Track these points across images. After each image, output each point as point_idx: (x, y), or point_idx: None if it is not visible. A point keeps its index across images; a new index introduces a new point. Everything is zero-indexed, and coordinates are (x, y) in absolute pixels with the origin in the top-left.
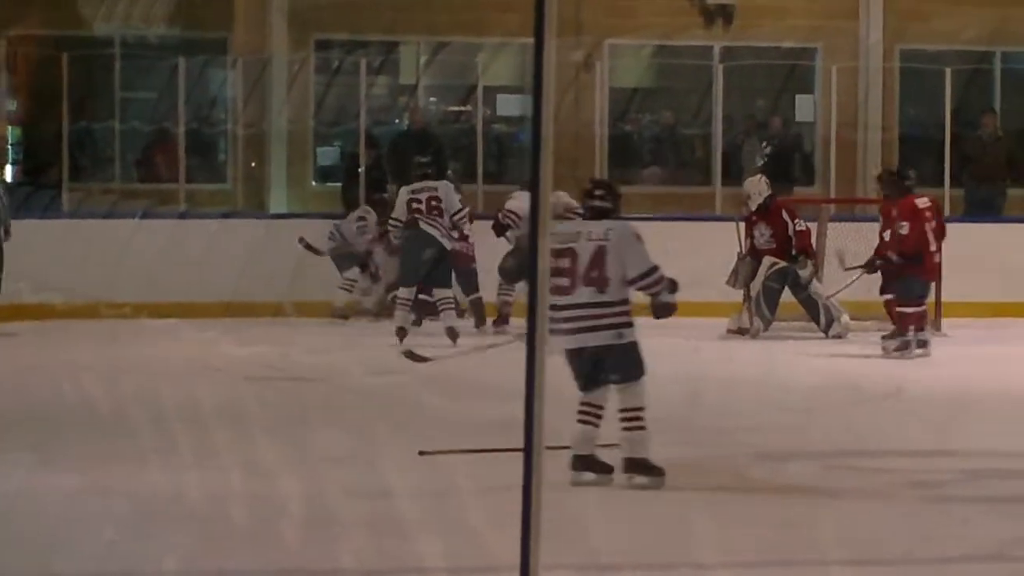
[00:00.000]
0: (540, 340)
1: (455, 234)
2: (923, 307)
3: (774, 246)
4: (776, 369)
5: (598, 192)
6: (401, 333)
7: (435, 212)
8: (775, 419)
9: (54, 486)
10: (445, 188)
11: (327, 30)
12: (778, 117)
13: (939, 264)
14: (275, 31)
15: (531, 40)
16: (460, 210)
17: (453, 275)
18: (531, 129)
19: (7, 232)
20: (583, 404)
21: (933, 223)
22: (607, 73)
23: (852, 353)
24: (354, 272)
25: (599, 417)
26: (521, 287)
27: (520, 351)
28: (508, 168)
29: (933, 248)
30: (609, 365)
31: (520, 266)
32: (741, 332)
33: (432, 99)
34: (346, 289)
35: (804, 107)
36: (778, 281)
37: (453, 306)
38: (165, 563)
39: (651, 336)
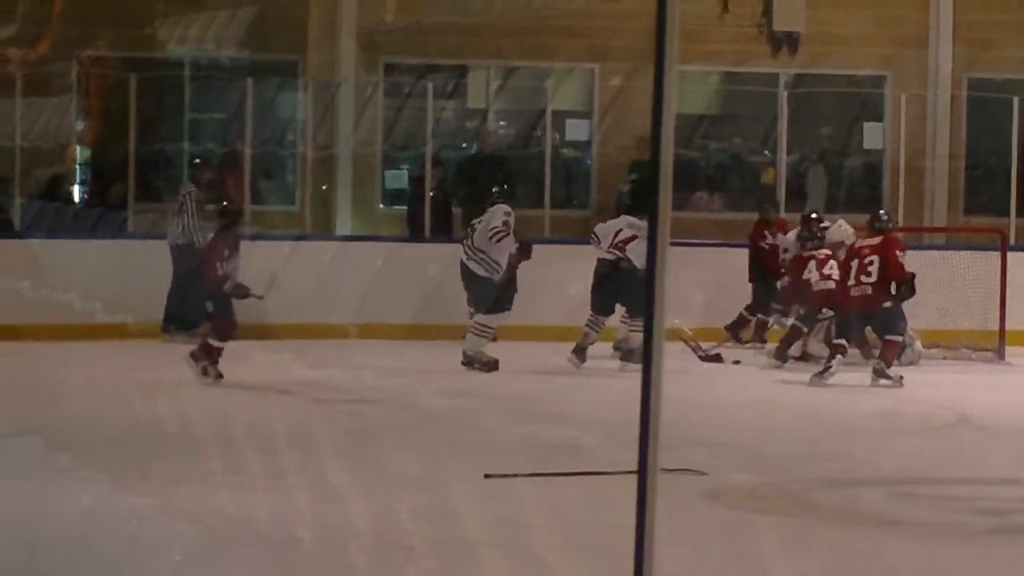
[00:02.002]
0: (657, 359)
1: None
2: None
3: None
4: (842, 396)
5: None
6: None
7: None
8: (843, 446)
9: (125, 507)
10: (491, 212)
11: (396, 54)
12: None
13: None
14: (345, 55)
15: (597, 65)
16: (495, 228)
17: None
18: (651, 154)
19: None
20: None
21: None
22: (674, 99)
23: (919, 380)
24: None
25: None
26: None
27: (578, 378)
28: (575, 193)
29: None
30: None
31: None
32: (804, 359)
33: (502, 123)
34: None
35: (872, 135)
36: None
37: (482, 332)
38: None
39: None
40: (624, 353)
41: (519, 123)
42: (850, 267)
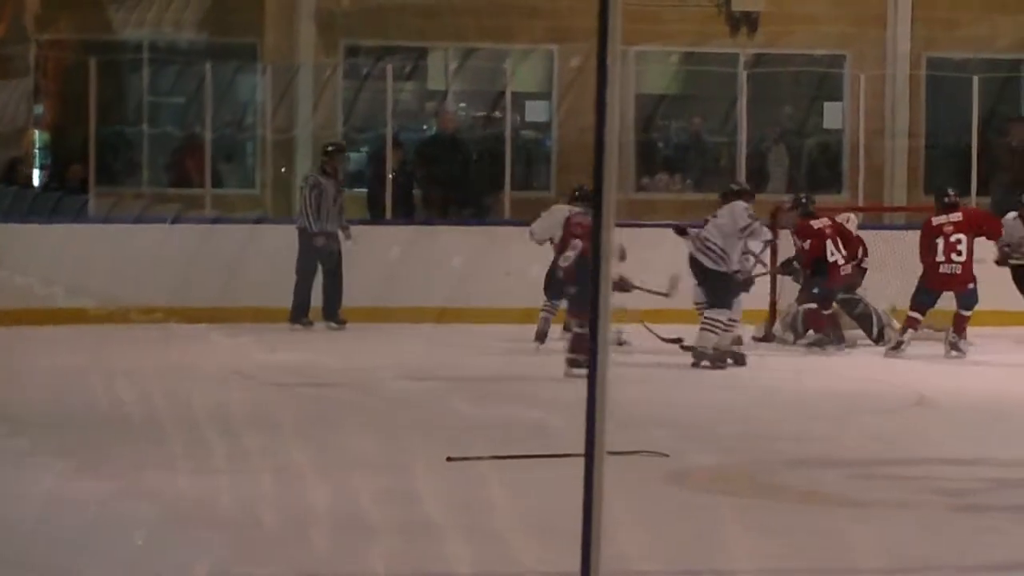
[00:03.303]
0: (603, 344)
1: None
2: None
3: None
4: (805, 378)
5: None
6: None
7: None
8: (805, 427)
9: (85, 491)
10: (730, 209)
11: (356, 36)
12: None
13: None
14: (304, 37)
15: (557, 46)
16: (746, 226)
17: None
18: (595, 136)
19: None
20: None
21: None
22: (634, 80)
23: (879, 361)
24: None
25: None
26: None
27: (542, 358)
28: (536, 174)
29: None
30: None
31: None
32: (767, 340)
33: (461, 105)
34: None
35: (832, 115)
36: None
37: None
38: (194, 569)
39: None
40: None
41: (479, 104)
42: (934, 245)
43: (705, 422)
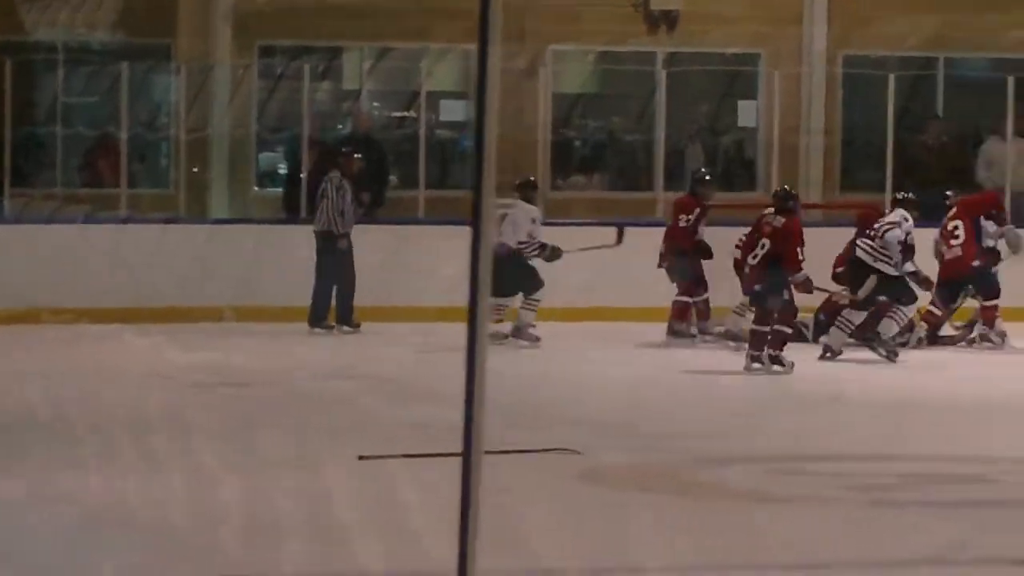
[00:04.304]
0: (480, 344)
1: None
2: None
3: None
4: (716, 374)
5: None
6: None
7: None
8: (717, 424)
9: None
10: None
11: (271, 36)
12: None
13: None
14: (219, 37)
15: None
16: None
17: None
18: (475, 135)
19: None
20: None
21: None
22: (550, 79)
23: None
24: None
25: None
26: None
27: (455, 357)
28: (451, 173)
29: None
30: None
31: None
32: (679, 335)
33: (375, 104)
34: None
35: (747, 113)
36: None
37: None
38: (107, 571)
39: (596, 343)
40: (512, 329)
41: (394, 104)
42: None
43: (619, 420)
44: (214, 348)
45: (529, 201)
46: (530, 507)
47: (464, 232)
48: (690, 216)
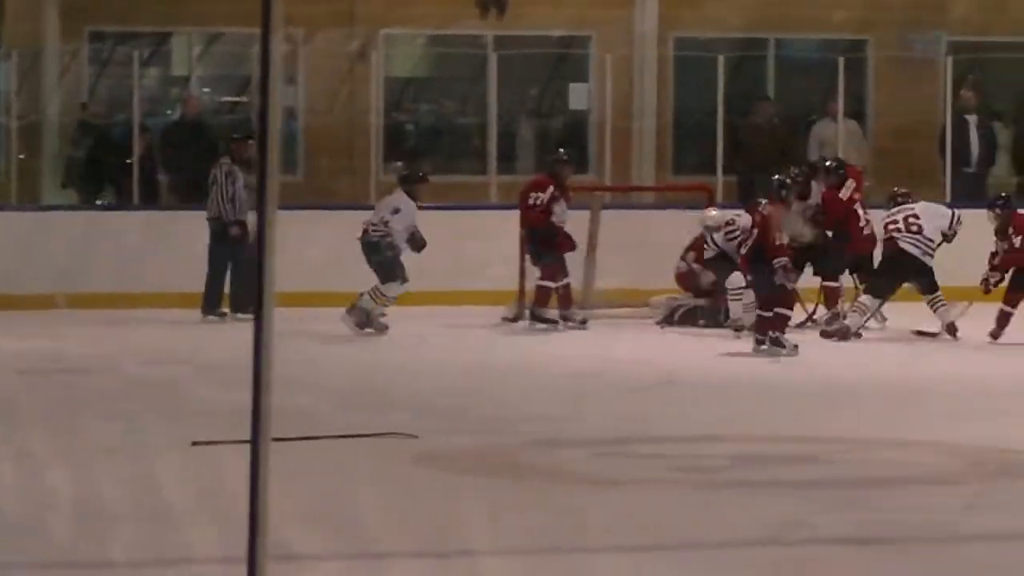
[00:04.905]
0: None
1: None
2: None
3: None
4: (551, 357)
5: None
6: None
7: None
8: (551, 407)
9: None
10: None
11: (100, 22)
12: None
13: None
14: (47, 22)
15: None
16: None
17: None
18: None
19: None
20: None
21: None
22: (382, 63)
23: (623, 340)
24: None
25: None
26: None
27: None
28: (283, 159)
29: None
30: None
31: None
32: (515, 320)
33: (206, 90)
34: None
35: (578, 95)
36: None
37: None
38: None
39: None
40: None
41: (224, 89)
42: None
43: (455, 404)
44: (45, 335)
45: (412, 196)
46: (364, 491)
47: (303, 217)
48: (541, 194)
